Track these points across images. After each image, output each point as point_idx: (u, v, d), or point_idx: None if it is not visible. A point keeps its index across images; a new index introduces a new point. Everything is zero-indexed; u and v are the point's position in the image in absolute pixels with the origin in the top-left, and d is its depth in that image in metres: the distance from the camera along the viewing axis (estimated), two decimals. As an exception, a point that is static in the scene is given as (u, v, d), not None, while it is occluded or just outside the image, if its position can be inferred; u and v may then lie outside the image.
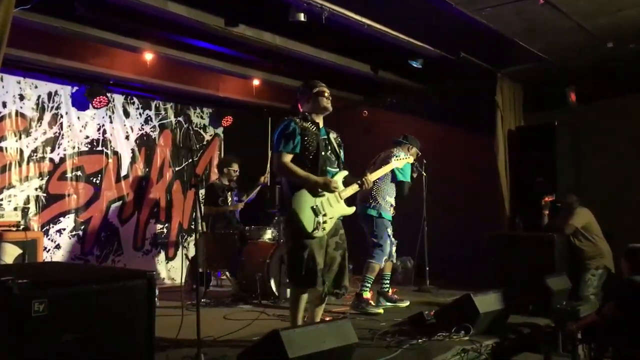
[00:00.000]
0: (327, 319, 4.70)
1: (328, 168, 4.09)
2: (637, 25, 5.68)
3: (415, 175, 6.26)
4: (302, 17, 5.18)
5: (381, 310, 5.62)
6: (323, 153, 4.07)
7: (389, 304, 5.91)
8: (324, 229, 3.98)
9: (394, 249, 5.99)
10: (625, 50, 6.27)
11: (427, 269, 7.04)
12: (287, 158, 3.98)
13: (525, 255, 5.83)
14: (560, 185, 6.85)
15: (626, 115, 7.04)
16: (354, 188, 4.22)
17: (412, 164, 6.00)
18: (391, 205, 5.97)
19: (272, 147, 4.15)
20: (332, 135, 4.25)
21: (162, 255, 8.17)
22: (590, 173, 7.19)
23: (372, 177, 4.47)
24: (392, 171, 5.70)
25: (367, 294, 5.70)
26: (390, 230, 5.91)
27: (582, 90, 7.30)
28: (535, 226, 6.47)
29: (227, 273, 6.86)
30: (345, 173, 4.20)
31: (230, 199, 7.10)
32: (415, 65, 6.73)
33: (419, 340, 4.20)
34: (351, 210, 4.21)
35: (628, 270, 4.39)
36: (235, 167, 7.17)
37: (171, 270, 8.19)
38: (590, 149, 7.25)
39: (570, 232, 6.01)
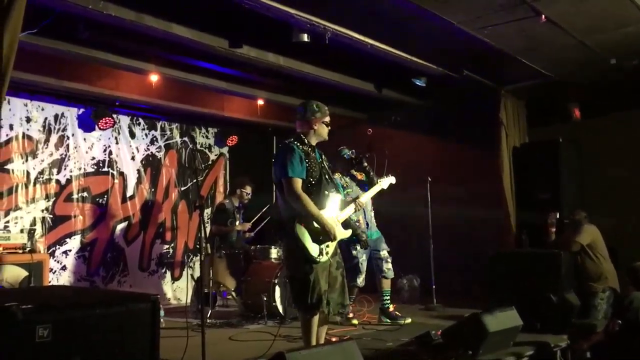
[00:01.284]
0: (333, 339, 4.68)
1: (328, 192, 4.09)
2: (639, 41, 5.70)
3: (365, 163, 5.96)
4: (305, 37, 5.22)
5: (355, 322, 5.91)
6: (323, 178, 4.07)
7: (389, 320, 5.94)
8: (327, 252, 3.98)
9: (385, 265, 6.00)
10: (628, 66, 6.28)
11: (434, 286, 7.00)
12: (299, 184, 3.91)
13: (531, 272, 5.79)
14: (566, 201, 6.82)
15: (631, 131, 7.02)
16: (350, 210, 4.27)
17: (352, 162, 5.97)
18: (354, 222, 5.82)
19: (280, 167, 3.97)
20: (323, 157, 4.23)
21: (168, 276, 8.16)
22: (595, 189, 7.16)
23: (364, 198, 4.58)
24: None
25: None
26: (356, 250, 5.89)
27: (586, 106, 7.31)
28: (541, 242, 6.44)
29: (233, 293, 6.84)
30: (340, 196, 4.22)
31: (238, 220, 7.07)
32: (418, 84, 6.75)
33: (426, 361, 4.17)
34: (348, 233, 4.22)
35: (632, 288, 4.39)
36: (249, 189, 7.06)
37: (177, 290, 8.17)
38: (595, 164, 7.23)
39: (575, 249, 5.94)
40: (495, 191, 7.20)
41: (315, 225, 3.92)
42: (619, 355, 4.21)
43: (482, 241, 7.24)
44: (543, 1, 4.80)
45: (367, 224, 6.07)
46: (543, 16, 5.03)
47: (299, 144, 4.02)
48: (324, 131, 4.14)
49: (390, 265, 6.03)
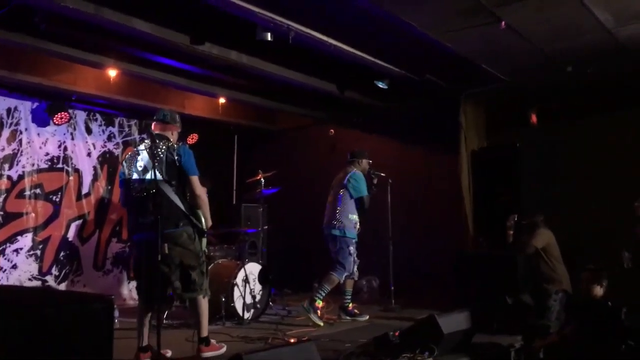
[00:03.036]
0: (292, 340, 4.66)
1: None
2: (595, 49, 5.85)
3: (375, 180, 6.56)
4: (268, 36, 5.18)
5: (321, 324, 5.89)
6: None
7: (348, 317, 6.28)
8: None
9: (355, 267, 6.31)
10: (584, 73, 6.44)
11: (392, 288, 7.04)
12: None
13: (488, 274, 5.89)
14: (524, 205, 6.95)
15: (587, 136, 7.19)
16: None
17: (369, 172, 6.50)
18: (355, 223, 6.29)
19: (193, 167, 4.89)
20: None
21: (124, 275, 8.00)
22: (552, 192, 7.30)
23: None
24: (348, 189, 6.25)
25: (320, 303, 6.03)
26: (353, 249, 6.24)
27: (543, 112, 7.46)
28: (499, 245, 6.54)
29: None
30: None
31: None
32: (380, 86, 6.79)
33: (384, 362, 4.18)
34: None
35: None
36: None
37: (133, 290, 8.00)
38: (552, 168, 7.38)
39: (530, 252, 6.06)
40: (454, 194, 7.29)
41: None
42: (572, 356, 4.31)
43: (441, 243, 7.32)
44: (503, 8, 4.87)
45: None
46: (503, 23, 5.11)
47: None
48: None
49: (357, 268, 6.36)
